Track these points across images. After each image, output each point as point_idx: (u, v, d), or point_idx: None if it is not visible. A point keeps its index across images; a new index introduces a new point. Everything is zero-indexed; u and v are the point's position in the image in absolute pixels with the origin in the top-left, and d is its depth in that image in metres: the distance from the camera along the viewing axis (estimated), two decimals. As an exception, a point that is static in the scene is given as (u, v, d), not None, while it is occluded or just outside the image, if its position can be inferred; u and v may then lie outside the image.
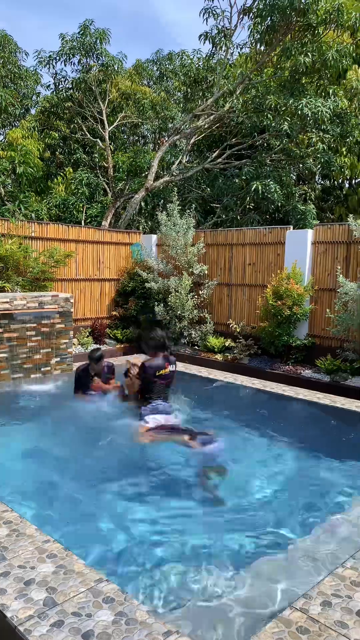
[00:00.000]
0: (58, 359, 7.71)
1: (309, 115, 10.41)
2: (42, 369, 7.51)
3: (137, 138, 19.58)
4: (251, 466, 4.56)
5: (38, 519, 3.25)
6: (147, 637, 2.19)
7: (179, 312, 9.90)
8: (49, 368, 7.57)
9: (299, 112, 10.54)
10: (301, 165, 12.89)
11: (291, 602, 2.49)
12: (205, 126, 13.51)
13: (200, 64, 14.24)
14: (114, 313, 11.10)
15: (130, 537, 3.29)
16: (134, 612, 2.34)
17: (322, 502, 3.83)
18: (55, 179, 16.76)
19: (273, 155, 13.08)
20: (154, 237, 11.37)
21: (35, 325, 7.39)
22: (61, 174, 16.92)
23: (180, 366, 8.34)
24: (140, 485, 4.09)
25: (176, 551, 3.18)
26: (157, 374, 5.39)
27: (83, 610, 2.32)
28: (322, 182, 15.78)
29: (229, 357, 9.27)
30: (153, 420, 5.20)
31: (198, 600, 2.68)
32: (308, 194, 14.14)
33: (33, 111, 18.31)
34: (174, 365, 5.61)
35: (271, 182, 11.66)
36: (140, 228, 14.33)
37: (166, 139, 15.43)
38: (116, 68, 15.68)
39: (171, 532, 3.41)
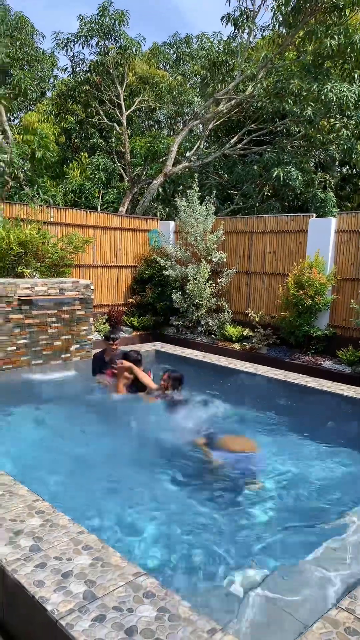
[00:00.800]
0: (78, 345, 7.67)
1: (334, 100, 10.16)
2: (62, 356, 7.48)
3: (152, 123, 19.34)
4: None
5: (69, 510, 3.22)
6: (192, 634, 2.14)
7: (196, 301, 9.81)
8: (68, 355, 7.53)
9: (323, 97, 10.30)
10: (323, 152, 12.63)
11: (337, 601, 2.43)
12: (225, 111, 13.28)
13: (220, 47, 13.96)
14: (130, 300, 11.03)
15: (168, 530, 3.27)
16: (176, 608, 2.29)
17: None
18: (71, 164, 16.63)
19: (294, 142, 12.84)
20: (172, 223, 11.25)
21: (55, 311, 7.34)
22: (77, 158, 16.77)
23: (199, 355, 8.28)
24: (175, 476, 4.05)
25: (218, 547, 3.14)
26: None
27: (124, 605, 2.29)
28: (340, 170, 15.49)
29: (247, 346, 9.18)
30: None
31: (243, 596, 2.64)
32: (328, 182, 13.89)
33: (49, 94, 18.13)
34: None
35: (292, 169, 11.45)
36: (158, 214, 14.19)
37: (183, 124, 15.21)
38: (134, 51, 15.45)
39: (212, 527, 3.37)
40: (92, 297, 7.86)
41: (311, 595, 2.55)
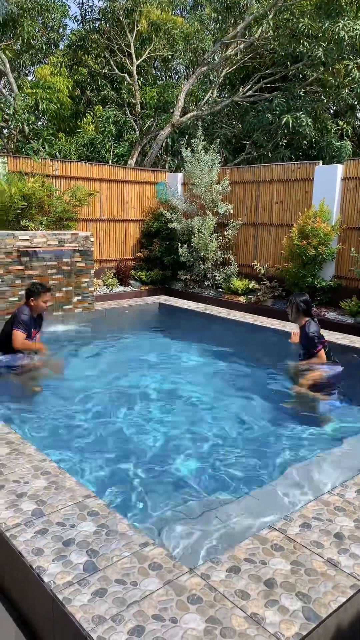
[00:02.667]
0: (79, 297, 7.79)
1: (346, 39, 9.63)
2: (64, 307, 7.62)
3: (169, 74, 18.75)
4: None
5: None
6: (125, 547, 2.27)
7: (202, 254, 9.76)
8: (70, 306, 7.67)
9: (336, 36, 9.77)
10: (336, 98, 12.08)
11: (271, 523, 2.53)
12: (237, 57, 12.76)
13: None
14: (138, 254, 11.04)
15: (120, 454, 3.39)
16: (116, 524, 2.42)
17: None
18: (85, 118, 16.37)
19: (307, 87, 12.30)
20: (180, 175, 11.07)
21: (56, 263, 7.44)
22: (90, 112, 16.49)
23: (201, 307, 8.32)
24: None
25: (165, 472, 3.27)
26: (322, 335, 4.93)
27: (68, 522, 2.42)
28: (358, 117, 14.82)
29: (253, 299, 9.15)
30: None
31: (179, 516, 2.77)
32: (345, 130, 13.34)
33: (61, 46, 17.70)
34: None
35: (303, 115, 11.02)
36: (167, 166, 13.96)
37: (194, 72, 14.69)
38: (145, -5, 14.84)
39: (160, 455, 3.50)
40: (92, 249, 7.91)
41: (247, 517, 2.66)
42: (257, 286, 9.43)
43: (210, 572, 2.16)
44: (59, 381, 4.92)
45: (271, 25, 11.41)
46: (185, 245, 10.02)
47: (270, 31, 11.55)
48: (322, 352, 4.72)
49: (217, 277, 9.95)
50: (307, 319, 4.88)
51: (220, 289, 9.96)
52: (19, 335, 4.85)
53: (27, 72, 18.34)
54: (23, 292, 7.04)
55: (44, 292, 4.99)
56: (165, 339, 6.95)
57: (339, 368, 4.79)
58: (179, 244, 10.09)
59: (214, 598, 2.01)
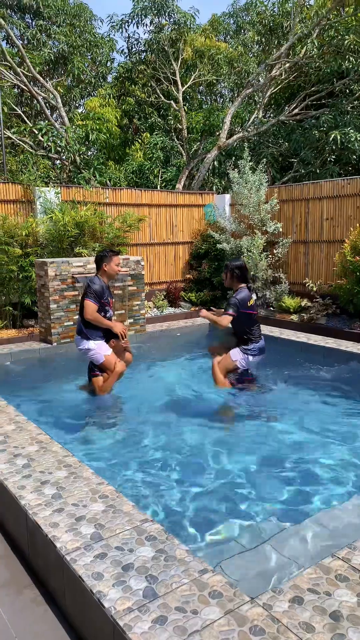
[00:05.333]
0: (132, 320, 7.92)
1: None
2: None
3: (214, 98, 19.09)
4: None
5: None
6: (184, 573, 2.24)
7: (252, 273, 9.71)
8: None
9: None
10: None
11: (334, 551, 2.43)
12: (282, 77, 12.83)
13: (275, 9, 13.44)
14: (188, 276, 11.13)
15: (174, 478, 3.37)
16: (174, 550, 2.40)
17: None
18: (133, 145, 16.87)
19: (355, 102, 12.16)
20: (227, 196, 11.14)
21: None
22: (138, 140, 16.98)
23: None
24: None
25: (219, 498, 3.22)
26: (249, 304, 5.06)
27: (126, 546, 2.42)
28: None
29: (305, 317, 8.98)
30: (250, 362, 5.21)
31: (238, 542, 2.71)
32: None
33: (110, 79, 18.42)
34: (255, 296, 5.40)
35: (351, 130, 10.88)
36: (214, 188, 14.09)
37: (238, 94, 14.87)
38: (188, 24, 15.27)
39: (218, 480, 3.45)
40: (143, 272, 8.05)
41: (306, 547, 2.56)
42: (309, 304, 9.26)
43: (272, 602, 2.09)
44: (114, 398, 4.97)
45: (316, 44, 11.42)
46: (235, 266, 10.00)
47: (315, 49, 11.55)
48: (226, 318, 4.85)
49: (267, 296, 9.86)
50: (241, 285, 5.06)
51: (271, 308, 9.85)
52: (90, 306, 4.81)
53: (77, 105, 19.17)
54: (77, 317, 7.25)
55: (115, 255, 5.07)
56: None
57: (247, 358, 5.08)
58: (228, 264, 10.09)
59: (277, 630, 1.94)
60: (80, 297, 6.93)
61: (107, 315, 5.04)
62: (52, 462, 3.33)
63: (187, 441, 4.14)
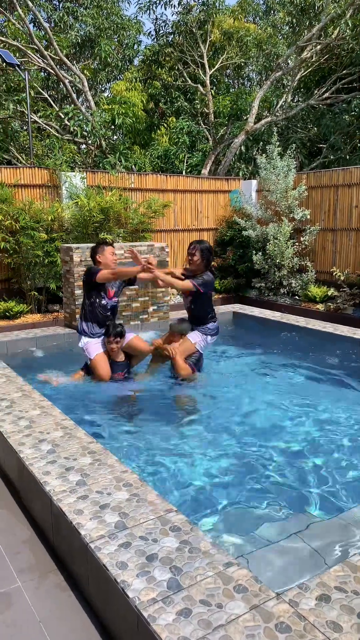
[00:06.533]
0: (155, 307, 7.89)
1: None
2: (140, 317, 7.75)
3: (242, 81, 18.72)
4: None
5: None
6: (208, 566, 2.22)
7: (278, 261, 9.57)
8: (146, 316, 7.79)
9: None
10: None
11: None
12: (313, 59, 12.48)
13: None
14: (212, 263, 11.01)
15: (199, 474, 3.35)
16: (198, 542, 2.38)
17: None
18: (159, 130, 16.69)
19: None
20: (254, 182, 10.96)
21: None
22: (164, 124, 16.79)
23: (277, 316, 8.14)
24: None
25: (245, 489, 3.18)
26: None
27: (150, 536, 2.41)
28: None
29: (332, 307, 8.82)
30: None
31: (264, 535, 2.68)
32: None
33: (136, 62, 18.21)
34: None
35: (384, 115, 10.54)
36: (241, 174, 13.88)
37: (267, 77, 14.53)
38: (217, 5, 14.95)
39: (240, 472, 3.41)
40: (168, 259, 7.99)
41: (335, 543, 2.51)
42: (336, 293, 9.09)
43: (299, 598, 2.05)
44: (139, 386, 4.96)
45: (349, 24, 11.06)
46: (260, 253, 9.87)
47: (348, 30, 11.19)
48: (190, 285, 4.77)
49: (293, 285, 9.72)
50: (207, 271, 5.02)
51: (297, 297, 9.71)
52: (103, 273, 4.73)
53: (103, 89, 19.04)
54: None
55: (107, 244, 4.99)
56: (243, 348, 6.84)
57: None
58: (254, 252, 9.97)
59: (303, 628, 1.91)
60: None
61: (102, 302, 4.98)
62: (76, 449, 3.33)
63: (213, 429, 4.12)
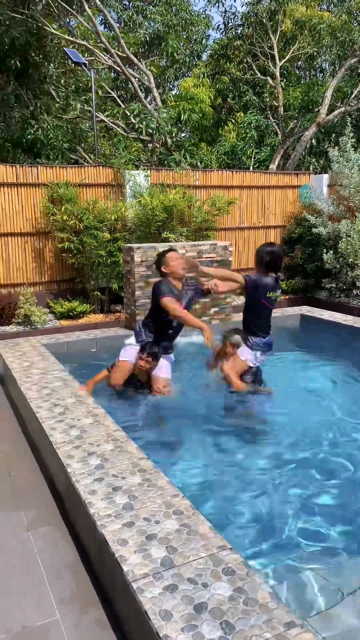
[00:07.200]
0: (217, 309, 7.59)
1: None
2: (202, 318, 7.47)
3: (314, 73, 17.94)
4: None
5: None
6: (266, 624, 1.91)
7: (350, 260, 8.96)
8: (207, 318, 7.51)
9: None
10: None
11: None
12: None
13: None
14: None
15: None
16: (255, 591, 2.07)
17: None
18: (226, 126, 16.33)
19: None
20: (325, 177, 10.36)
21: (193, 274, 7.32)
22: (232, 120, 16.41)
23: (350, 320, 7.58)
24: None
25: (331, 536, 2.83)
26: (268, 294, 4.49)
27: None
28: None
29: None
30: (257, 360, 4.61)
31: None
32: None
33: (204, 57, 17.92)
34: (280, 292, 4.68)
35: None
36: (311, 168, 13.24)
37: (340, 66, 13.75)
38: (289, -7, 14.34)
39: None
40: (231, 259, 7.66)
41: None
42: None
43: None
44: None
45: None
46: (331, 251, 9.30)
47: None
48: (240, 276, 4.52)
49: (367, 286, 9.07)
50: (270, 274, 4.57)
51: (371, 299, 9.05)
52: (170, 302, 4.21)
53: (171, 87, 18.93)
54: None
55: (170, 251, 4.54)
56: (311, 356, 6.38)
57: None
58: (324, 250, 9.40)
59: None
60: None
61: (173, 324, 4.56)
62: (126, 465, 3.11)
63: (283, 451, 3.77)
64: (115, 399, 4.59)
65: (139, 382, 4.60)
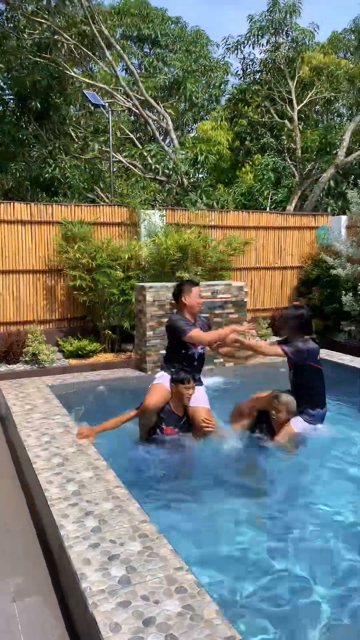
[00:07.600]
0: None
1: None
2: (214, 361, 7.20)
3: (331, 117, 18.15)
4: None
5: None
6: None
7: (370, 303, 8.67)
8: (221, 360, 7.23)
9: None
10: None
11: None
12: None
13: None
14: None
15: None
16: None
17: None
18: (244, 168, 16.46)
19: None
20: (344, 218, 10.21)
21: (207, 315, 7.10)
22: (249, 162, 16.55)
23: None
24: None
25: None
26: (318, 358, 4.25)
27: None
28: None
29: None
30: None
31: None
32: None
33: (222, 101, 18.29)
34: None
35: None
36: (329, 210, 13.15)
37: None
38: (307, 42, 14.65)
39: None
40: (246, 299, 7.45)
41: None
42: None
43: None
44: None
45: None
46: (351, 293, 9.03)
47: None
48: (278, 349, 4.22)
49: (387, 330, 8.74)
50: (305, 337, 4.31)
51: (392, 344, 8.70)
52: (195, 334, 4.19)
53: (190, 129, 19.28)
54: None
55: (194, 285, 4.41)
56: (333, 403, 5.98)
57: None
58: (343, 292, 9.14)
59: None
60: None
61: (190, 352, 4.38)
62: (125, 529, 2.80)
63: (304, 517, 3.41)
64: (121, 447, 4.29)
65: (174, 415, 4.30)
